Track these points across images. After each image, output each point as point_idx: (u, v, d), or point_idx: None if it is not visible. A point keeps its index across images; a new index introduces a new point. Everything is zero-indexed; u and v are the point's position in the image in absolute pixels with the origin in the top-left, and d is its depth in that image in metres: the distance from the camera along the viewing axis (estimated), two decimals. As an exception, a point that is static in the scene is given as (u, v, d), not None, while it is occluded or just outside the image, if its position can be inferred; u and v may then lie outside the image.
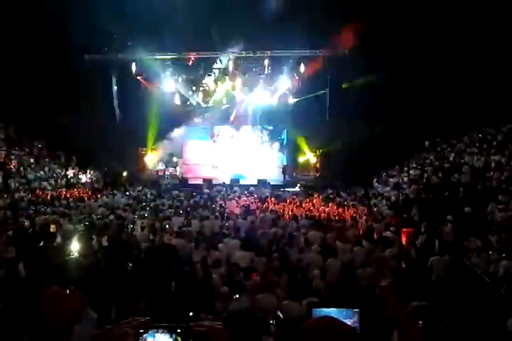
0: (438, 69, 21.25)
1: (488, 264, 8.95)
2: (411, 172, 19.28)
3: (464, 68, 20.74)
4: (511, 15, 18.97)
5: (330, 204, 16.82)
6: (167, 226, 12.58)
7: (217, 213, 14.48)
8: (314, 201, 17.86)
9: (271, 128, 27.85)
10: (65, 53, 21.86)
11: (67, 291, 3.84)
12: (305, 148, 26.50)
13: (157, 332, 1.64)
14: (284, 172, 26.04)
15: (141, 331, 1.63)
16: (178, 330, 1.64)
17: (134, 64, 25.44)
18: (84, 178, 22.20)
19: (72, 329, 2.90)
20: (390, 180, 20.32)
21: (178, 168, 27.02)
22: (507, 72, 19.81)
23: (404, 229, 11.75)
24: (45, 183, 18.97)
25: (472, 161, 16.71)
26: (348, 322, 3.36)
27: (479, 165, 16.08)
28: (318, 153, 26.23)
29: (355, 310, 3.48)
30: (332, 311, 3.50)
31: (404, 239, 11.17)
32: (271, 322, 5.86)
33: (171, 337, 1.64)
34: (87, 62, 24.44)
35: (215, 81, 26.55)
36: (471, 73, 20.65)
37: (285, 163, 26.96)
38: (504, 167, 14.34)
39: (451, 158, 18.46)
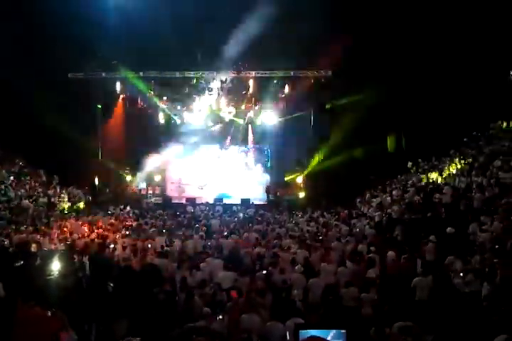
0: (419, 91, 21.63)
1: (468, 285, 8.97)
2: (394, 192, 19.42)
3: (444, 91, 21.16)
4: (485, 41, 19.53)
5: (313, 224, 16.82)
6: (149, 245, 12.45)
7: (200, 232, 14.37)
8: (299, 221, 17.83)
9: (256, 147, 27.99)
10: (49, 71, 21.77)
11: (48, 313, 3.76)
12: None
13: None
14: (267, 191, 26.01)
15: None
16: None
17: (118, 83, 25.48)
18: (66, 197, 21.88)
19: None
20: (373, 200, 20.43)
21: (160, 187, 26.88)
22: (485, 94, 20.27)
23: (387, 249, 11.78)
24: (25, 202, 18.64)
25: (454, 182, 16.91)
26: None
27: (461, 185, 16.27)
28: (303, 172, 26.34)
29: (342, 331, 3.47)
30: (319, 332, 3.48)
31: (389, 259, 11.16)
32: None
33: None
34: (70, 80, 24.38)
35: (200, 100, 26.65)
36: (451, 95, 21.06)
37: (268, 183, 26.98)
38: (486, 188, 14.52)
39: (434, 179, 18.66)
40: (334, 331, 3.59)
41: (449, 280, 9.58)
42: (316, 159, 25.26)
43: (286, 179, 27.04)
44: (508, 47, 19.62)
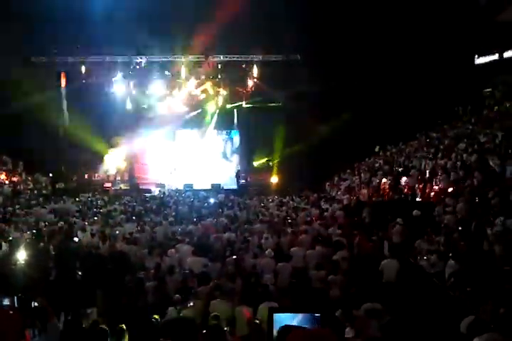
0: (387, 76, 21.86)
1: (433, 266, 9.18)
2: (362, 175, 19.67)
3: (411, 76, 21.45)
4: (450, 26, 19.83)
5: (283, 208, 16.92)
6: (117, 232, 12.32)
7: (170, 218, 14.28)
8: (269, 205, 17.91)
9: (225, 132, 27.98)
10: (14, 54, 21.12)
11: (10, 311, 3.69)
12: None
13: None
14: (237, 176, 26.00)
15: None
16: None
17: (83, 66, 24.89)
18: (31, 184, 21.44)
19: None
20: (342, 183, 20.66)
21: (128, 173, 26.62)
22: (450, 78, 20.64)
23: (355, 232, 11.95)
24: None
25: (420, 165, 17.18)
26: (309, 326, 3.39)
27: (427, 168, 16.54)
28: (273, 157, 26.41)
29: (316, 315, 3.51)
30: (292, 316, 3.52)
31: (356, 242, 11.32)
32: (225, 329, 5.82)
33: None
34: (34, 63, 23.71)
35: (168, 85, 26.31)
36: (418, 80, 21.37)
37: (238, 168, 27.01)
38: (450, 170, 14.80)
39: (401, 162, 18.93)
40: (308, 315, 3.63)
41: (415, 262, 9.81)
42: (285, 144, 25.29)
43: (255, 164, 27.11)
44: (473, 32, 19.98)
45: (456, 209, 11.62)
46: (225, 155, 28.30)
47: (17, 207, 16.34)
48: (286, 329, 3.18)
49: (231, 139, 28.43)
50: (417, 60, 21.20)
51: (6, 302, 5.23)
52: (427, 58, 21.10)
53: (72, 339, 5.26)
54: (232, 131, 28.31)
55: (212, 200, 19.51)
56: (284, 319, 3.55)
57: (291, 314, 3.64)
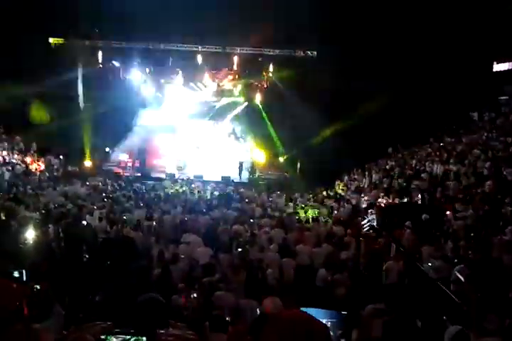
0: (405, 78, 21.68)
1: (438, 271, 9.13)
2: (373, 176, 19.60)
3: (429, 79, 21.26)
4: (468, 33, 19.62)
5: (291, 204, 16.92)
6: (124, 217, 12.38)
7: (179, 208, 14.31)
8: (277, 201, 17.89)
9: (240, 125, 27.96)
10: (30, 34, 21.18)
11: (14, 284, 3.69)
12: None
13: (120, 338, 1.54)
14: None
15: (103, 337, 1.53)
16: (144, 338, 1.53)
17: (100, 52, 24.95)
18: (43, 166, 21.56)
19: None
20: (352, 183, 20.61)
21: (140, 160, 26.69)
22: (468, 83, 20.44)
23: (363, 233, 11.94)
24: (3, 169, 18.32)
25: (431, 169, 17.10)
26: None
27: (438, 173, 16.46)
28: (283, 152, 26.40)
29: (342, 312, 3.54)
30: (319, 311, 3.54)
31: (363, 243, 11.30)
32: (227, 319, 5.82)
33: None
34: (51, 45, 23.76)
35: (184, 75, 26.35)
36: (435, 84, 21.19)
37: (250, 162, 26.97)
38: (462, 176, 14.72)
39: (412, 165, 18.85)
40: (334, 312, 3.66)
41: (420, 266, 9.76)
42: (296, 141, 25.20)
43: (268, 159, 27.06)
44: (493, 39, 19.76)
45: (466, 215, 11.57)
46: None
47: (28, 187, 16.44)
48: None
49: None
50: (436, 63, 21.04)
51: (16, 274, 5.31)
52: (446, 62, 20.91)
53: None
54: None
55: (216, 193, 19.49)
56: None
57: (318, 309, 3.66)
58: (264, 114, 26.52)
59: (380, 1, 21.09)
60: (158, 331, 1.58)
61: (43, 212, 12.34)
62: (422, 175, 16.68)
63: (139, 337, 1.56)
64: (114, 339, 1.55)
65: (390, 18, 20.84)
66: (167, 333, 1.58)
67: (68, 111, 23.95)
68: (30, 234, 9.14)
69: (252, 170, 25.98)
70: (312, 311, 3.61)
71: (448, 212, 12.26)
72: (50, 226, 10.44)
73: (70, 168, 23.47)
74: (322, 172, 22.11)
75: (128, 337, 1.56)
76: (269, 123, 26.34)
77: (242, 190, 20.67)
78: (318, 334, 1.77)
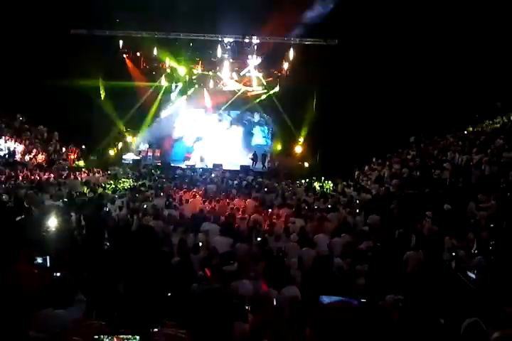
0: (427, 68, 21.31)
1: (460, 261, 9.05)
2: (394, 166, 19.41)
3: (451, 69, 20.86)
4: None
5: (310, 194, 16.87)
6: (145, 206, 12.49)
7: (197, 196, 14.40)
8: (296, 190, 17.87)
9: (258, 115, 27.93)
10: (51, 26, 21.29)
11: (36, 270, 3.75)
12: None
13: (113, 338, 1.55)
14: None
15: (96, 337, 1.53)
16: (137, 337, 1.54)
17: (121, 41, 25.03)
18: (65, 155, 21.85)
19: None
20: (372, 173, 20.45)
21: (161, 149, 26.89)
22: (491, 73, 19.98)
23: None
24: (26, 158, 18.63)
25: (454, 159, 16.87)
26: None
27: (461, 162, 16.24)
28: (302, 143, 26.29)
29: (362, 300, 3.55)
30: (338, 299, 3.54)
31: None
32: (247, 308, 5.86)
33: None
34: (72, 36, 23.88)
35: (202, 64, 26.35)
36: (458, 74, 20.77)
37: (269, 151, 26.91)
38: (485, 166, 14.50)
39: (434, 155, 18.62)
40: (354, 300, 3.66)
41: (441, 256, 9.67)
42: (315, 129, 25.04)
43: (286, 148, 26.99)
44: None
45: (488, 205, 11.41)
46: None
47: (52, 176, 16.69)
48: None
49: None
50: (460, 52, 20.59)
51: (40, 260, 5.41)
52: (470, 51, 20.46)
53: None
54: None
55: (239, 181, 19.55)
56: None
57: (337, 298, 3.67)
58: (283, 103, 26.33)
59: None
60: (152, 330, 1.58)
61: (66, 200, 12.52)
62: (444, 164, 16.46)
63: (133, 337, 1.56)
64: (107, 339, 1.55)
65: (418, 6, 20.39)
66: (160, 332, 1.57)
67: (90, 102, 24.18)
68: (53, 222, 9.26)
69: (271, 159, 25.93)
70: (332, 299, 3.61)
71: (470, 203, 12.08)
72: (72, 214, 10.59)
73: (91, 157, 23.74)
74: (342, 161, 21.95)
75: (121, 336, 1.56)
76: (288, 112, 26.13)
77: (260, 179, 20.68)
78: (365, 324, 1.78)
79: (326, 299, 3.62)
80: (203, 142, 26.96)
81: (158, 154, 26.64)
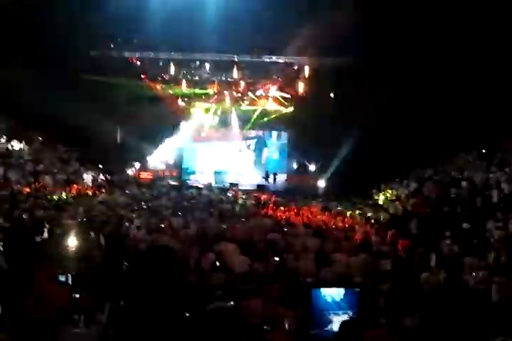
0: (448, 86, 21.17)
1: (480, 282, 8.90)
2: (411, 184, 19.30)
3: (468, 87, 20.72)
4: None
5: (327, 213, 16.82)
6: (162, 225, 12.55)
7: (214, 216, 14.43)
8: (312, 209, 17.83)
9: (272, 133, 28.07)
10: (70, 48, 21.73)
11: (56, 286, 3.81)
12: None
13: None
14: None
15: None
16: None
17: (138, 62, 25.49)
18: (85, 175, 22.07)
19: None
20: (389, 191, 20.34)
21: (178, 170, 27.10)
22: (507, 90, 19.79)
23: (401, 242, 11.74)
24: (46, 177, 18.91)
25: (472, 177, 16.72)
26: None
27: (479, 181, 16.09)
28: (319, 161, 26.30)
29: (356, 289, 3.59)
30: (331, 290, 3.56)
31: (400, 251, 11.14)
32: (265, 327, 5.83)
33: None
34: (91, 58, 24.34)
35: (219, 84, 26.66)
36: (476, 91, 20.62)
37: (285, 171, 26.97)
38: (503, 184, 14.36)
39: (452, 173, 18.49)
40: (348, 289, 3.70)
41: (460, 276, 9.53)
42: (330, 148, 25.00)
43: (302, 167, 27.02)
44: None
45: (507, 224, 11.28)
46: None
47: (70, 195, 16.91)
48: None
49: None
50: (476, 71, 20.43)
51: (62, 278, 5.48)
52: (486, 69, 20.29)
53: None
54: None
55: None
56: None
57: (331, 289, 3.70)
58: (295, 121, 26.48)
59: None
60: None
61: (85, 220, 12.65)
62: (462, 183, 16.33)
63: None
64: None
65: (436, 17, 20.27)
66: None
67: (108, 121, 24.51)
68: (72, 242, 9.37)
69: (288, 177, 26.03)
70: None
71: (489, 221, 11.95)
72: (91, 234, 10.69)
73: (109, 177, 23.99)
74: (358, 179, 21.84)
75: None
76: (301, 130, 26.24)
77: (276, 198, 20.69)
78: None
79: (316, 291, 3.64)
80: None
81: (175, 174, 26.84)
